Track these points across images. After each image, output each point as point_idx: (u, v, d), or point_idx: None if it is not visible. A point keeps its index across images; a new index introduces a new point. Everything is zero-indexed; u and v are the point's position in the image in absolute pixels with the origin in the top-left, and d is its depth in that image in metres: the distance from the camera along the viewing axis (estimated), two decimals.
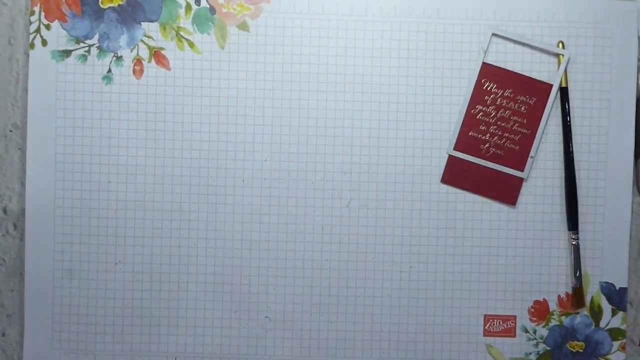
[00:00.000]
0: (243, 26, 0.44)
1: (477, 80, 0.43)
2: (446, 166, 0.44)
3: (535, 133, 0.43)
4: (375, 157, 0.44)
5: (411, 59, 0.44)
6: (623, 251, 0.45)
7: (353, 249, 0.44)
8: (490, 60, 0.44)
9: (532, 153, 0.44)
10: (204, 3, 0.44)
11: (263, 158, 0.44)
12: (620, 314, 0.45)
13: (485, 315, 0.45)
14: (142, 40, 0.44)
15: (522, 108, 0.43)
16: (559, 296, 0.45)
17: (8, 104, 0.45)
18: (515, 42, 0.43)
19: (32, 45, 0.44)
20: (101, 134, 0.44)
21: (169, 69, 0.44)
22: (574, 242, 0.44)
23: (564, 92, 0.44)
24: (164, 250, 0.44)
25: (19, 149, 0.45)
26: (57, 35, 0.44)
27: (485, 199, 0.44)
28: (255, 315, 0.45)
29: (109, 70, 0.44)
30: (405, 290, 0.45)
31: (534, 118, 0.43)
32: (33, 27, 0.44)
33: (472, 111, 0.44)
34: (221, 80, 0.44)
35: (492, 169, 0.43)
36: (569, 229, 0.44)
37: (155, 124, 0.44)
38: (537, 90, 0.43)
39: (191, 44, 0.44)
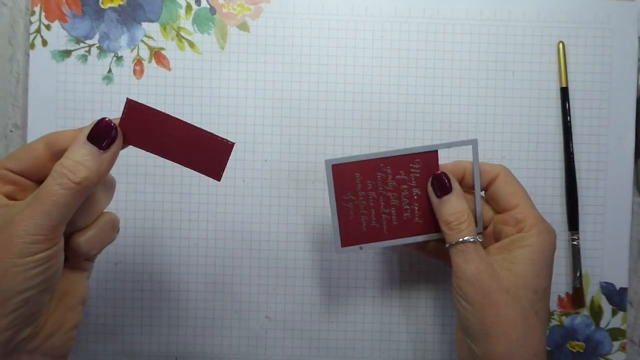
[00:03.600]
0: (243, 26, 0.44)
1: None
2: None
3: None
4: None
5: (411, 59, 0.44)
6: (623, 251, 0.45)
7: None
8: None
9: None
10: (204, 3, 0.44)
11: (263, 158, 0.44)
12: (621, 314, 0.45)
13: None
14: (142, 41, 0.44)
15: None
16: (559, 296, 0.45)
17: (8, 104, 0.45)
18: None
19: (32, 46, 0.44)
20: None
21: (169, 69, 0.44)
22: (574, 242, 0.44)
23: (564, 92, 0.44)
24: (164, 250, 0.44)
25: None
26: (58, 35, 0.44)
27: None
28: (255, 315, 0.45)
29: (110, 71, 0.44)
30: (405, 290, 0.45)
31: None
32: (33, 28, 0.44)
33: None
34: (221, 80, 0.44)
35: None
36: (569, 229, 0.44)
37: None
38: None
39: (191, 44, 0.44)
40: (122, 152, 0.44)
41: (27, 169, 0.32)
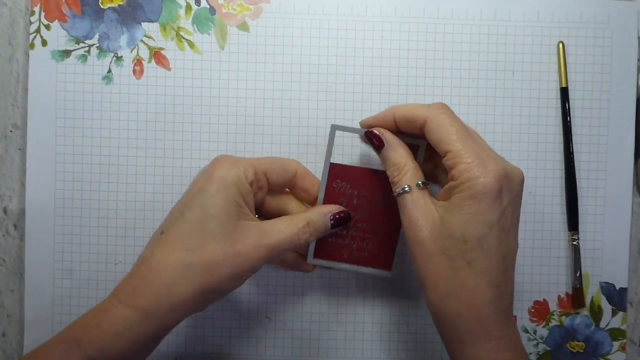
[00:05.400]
0: (243, 26, 0.44)
1: (327, 184, 0.39)
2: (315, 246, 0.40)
3: (399, 227, 0.38)
4: (375, 157, 0.44)
5: (411, 59, 0.44)
6: (623, 251, 0.45)
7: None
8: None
9: (397, 250, 0.40)
10: (204, 3, 0.44)
11: None
12: (620, 314, 0.45)
13: None
14: (142, 41, 0.44)
15: (383, 205, 0.39)
16: (559, 296, 0.45)
17: (8, 104, 0.45)
18: (353, 131, 0.40)
19: (32, 46, 0.44)
20: (101, 134, 0.44)
21: (169, 69, 0.44)
22: (574, 242, 0.44)
23: (564, 92, 0.44)
24: None
25: (19, 149, 0.45)
26: (57, 35, 0.44)
27: None
28: (256, 315, 0.45)
29: (109, 71, 0.44)
30: (405, 290, 0.45)
31: (395, 211, 0.37)
32: (33, 28, 0.44)
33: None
34: (221, 80, 0.44)
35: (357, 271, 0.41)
36: (569, 229, 0.44)
37: (155, 124, 0.44)
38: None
39: (191, 44, 0.44)
40: (122, 152, 0.44)
41: (276, 182, 0.38)
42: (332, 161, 0.40)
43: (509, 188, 0.33)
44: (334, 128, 0.39)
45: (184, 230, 0.33)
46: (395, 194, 0.36)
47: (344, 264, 0.40)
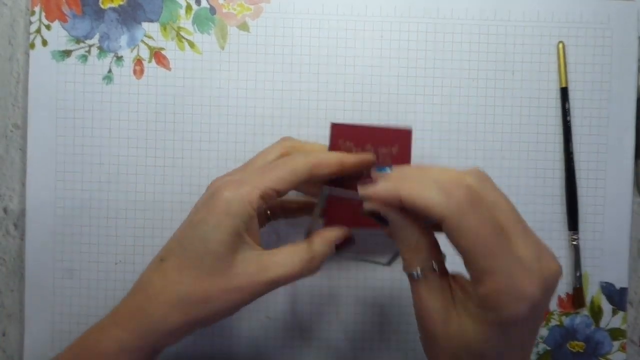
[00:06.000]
0: (243, 26, 0.44)
1: (330, 143, 0.38)
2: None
3: None
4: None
5: (411, 59, 0.44)
6: (623, 251, 0.45)
7: (353, 248, 0.44)
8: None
9: None
10: (204, 3, 0.44)
11: None
12: (621, 314, 0.45)
13: None
14: (142, 41, 0.44)
15: (387, 161, 0.39)
16: (559, 296, 0.45)
17: (8, 104, 0.45)
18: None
19: (32, 46, 0.44)
20: (101, 134, 0.44)
21: (169, 69, 0.44)
22: (574, 242, 0.44)
23: (564, 92, 0.44)
24: None
25: (19, 149, 0.45)
26: (58, 35, 0.44)
27: None
28: (256, 315, 0.45)
29: (109, 70, 0.44)
30: (405, 289, 0.45)
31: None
32: (33, 27, 0.44)
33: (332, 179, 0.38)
34: (221, 80, 0.44)
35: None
36: (569, 229, 0.44)
37: (156, 124, 0.44)
38: (396, 137, 0.38)
39: (191, 44, 0.44)
40: (122, 152, 0.44)
41: (288, 190, 0.35)
42: (333, 122, 0.39)
43: (543, 306, 0.28)
44: (326, 190, 0.35)
45: (182, 263, 0.33)
46: (406, 272, 0.31)
47: (362, 226, 0.36)
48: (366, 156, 0.37)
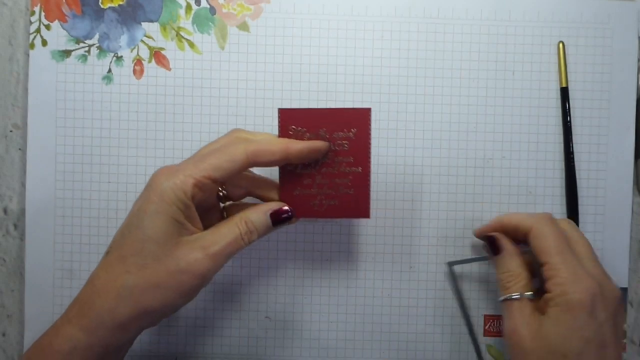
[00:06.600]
0: (243, 26, 0.44)
1: (279, 130, 0.37)
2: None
3: (368, 170, 0.37)
4: (375, 156, 0.44)
5: (411, 59, 0.44)
6: (623, 251, 0.45)
7: (353, 248, 0.44)
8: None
9: (372, 192, 0.39)
10: (204, 3, 0.44)
11: None
12: None
13: (485, 316, 0.45)
14: (142, 41, 0.44)
15: (344, 145, 0.37)
16: None
17: (8, 104, 0.45)
18: (470, 261, 0.44)
19: (32, 46, 0.44)
20: (101, 134, 0.44)
21: (169, 69, 0.44)
22: None
23: (564, 92, 0.44)
24: None
25: (19, 149, 0.45)
26: (57, 35, 0.44)
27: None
28: (256, 315, 0.45)
29: (109, 71, 0.44)
30: (405, 290, 0.45)
31: (360, 152, 0.37)
32: (33, 28, 0.44)
33: (288, 167, 0.37)
34: (221, 80, 0.44)
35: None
36: None
37: (155, 124, 0.44)
38: (353, 119, 0.37)
39: (191, 44, 0.44)
40: (122, 152, 0.44)
41: (226, 177, 0.34)
42: (280, 107, 0.38)
43: (604, 304, 0.34)
44: (451, 265, 0.43)
45: (125, 253, 0.33)
46: (501, 298, 0.38)
47: (315, 217, 0.38)
48: (317, 144, 0.36)
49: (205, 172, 0.33)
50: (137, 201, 0.34)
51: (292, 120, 0.37)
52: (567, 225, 0.39)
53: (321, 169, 0.37)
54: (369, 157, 0.37)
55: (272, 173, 0.41)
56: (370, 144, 0.37)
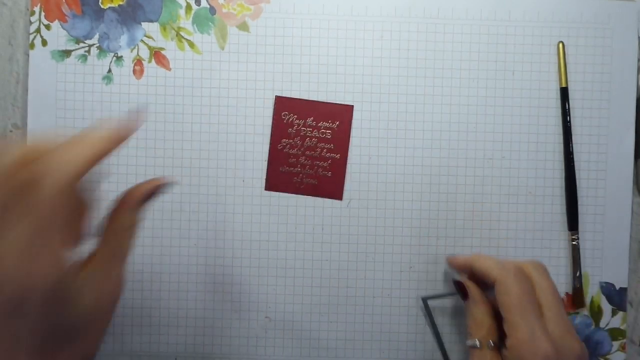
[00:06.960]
0: (243, 26, 0.44)
1: (274, 115, 0.43)
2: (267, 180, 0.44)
3: (346, 157, 0.43)
4: (375, 157, 0.44)
5: (411, 59, 0.44)
6: (623, 251, 0.45)
7: (353, 249, 0.44)
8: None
9: (346, 178, 0.44)
10: (204, 3, 0.44)
11: (263, 158, 0.44)
12: (620, 314, 0.45)
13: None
14: (142, 41, 0.44)
15: (328, 134, 0.43)
16: None
17: (8, 104, 0.45)
18: (443, 296, 0.44)
19: (32, 46, 0.44)
20: None
21: (169, 69, 0.44)
22: (574, 242, 0.44)
23: (564, 92, 0.44)
24: (164, 250, 0.44)
25: None
26: (57, 35, 0.44)
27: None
28: (255, 315, 0.45)
29: (109, 71, 0.44)
30: (405, 290, 0.45)
31: (340, 142, 0.43)
32: (33, 28, 0.44)
33: (278, 146, 0.43)
34: (221, 80, 0.44)
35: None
36: (569, 229, 0.44)
37: (155, 124, 0.44)
38: (339, 112, 0.43)
39: (191, 44, 0.44)
40: (122, 152, 0.44)
41: None
42: (277, 95, 0.43)
43: None
44: (425, 300, 0.44)
45: None
46: (467, 344, 0.38)
47: (296, 194, 0.43)
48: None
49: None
50: None
51: (285, 108, 0.43)
52: (535, 272, 0.38)
53: (305, 151, 0.43)
54: (348, 146, 0.43)
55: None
56: (350, 135, 0.43)
